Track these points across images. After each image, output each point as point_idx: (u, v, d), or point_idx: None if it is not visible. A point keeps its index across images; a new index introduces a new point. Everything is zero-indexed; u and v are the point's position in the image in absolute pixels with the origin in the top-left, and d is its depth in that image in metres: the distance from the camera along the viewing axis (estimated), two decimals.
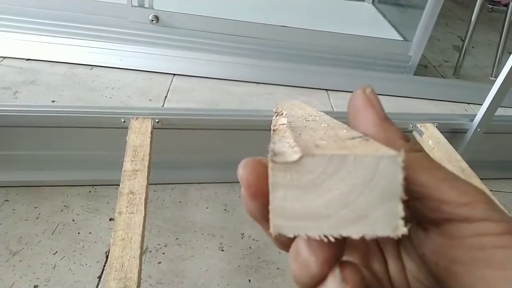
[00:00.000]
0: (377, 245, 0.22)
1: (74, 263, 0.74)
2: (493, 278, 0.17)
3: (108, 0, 1.30)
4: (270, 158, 0.16)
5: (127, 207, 0.64)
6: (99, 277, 0.72)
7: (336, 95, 1.30)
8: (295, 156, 0.16)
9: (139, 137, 0.79)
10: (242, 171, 0.18)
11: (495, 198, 0.76)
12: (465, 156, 0.91)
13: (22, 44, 1.22)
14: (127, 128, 0.82)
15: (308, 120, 0.22)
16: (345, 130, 0.20)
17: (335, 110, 1.20)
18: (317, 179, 0.16)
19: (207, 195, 0.93)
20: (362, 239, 0.16)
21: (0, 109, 0.82)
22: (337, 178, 0.16)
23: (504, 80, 0.93)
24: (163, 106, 1.09)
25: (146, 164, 0.73)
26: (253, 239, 0.84)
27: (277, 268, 0.79)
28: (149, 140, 0.79)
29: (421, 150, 0.20)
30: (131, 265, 0.55)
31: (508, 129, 1.08)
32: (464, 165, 0.86)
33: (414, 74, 1.48)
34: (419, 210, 0.19)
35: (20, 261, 0.73)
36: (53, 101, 1.02)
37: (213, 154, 0.96)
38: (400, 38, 1.52)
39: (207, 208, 0.90)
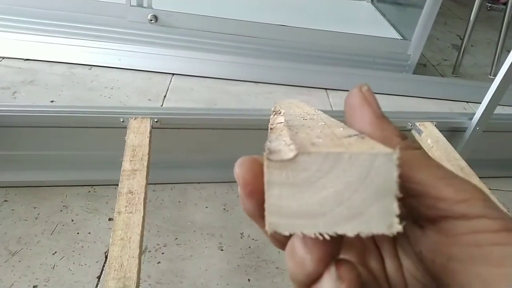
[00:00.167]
0: (374, 243, 0.22)
1: (74, 263, 0.74)
2: (490, 275, 0.17)
3: (106, 0, 1.30)
4: (266, 156, 0.16)
5: (126, 207, 0.64)
6: (98, 277, 0.72)
7: (335, 94, 1.30)
8: (291, 154, 0.16)
9: (138, 136, 0.79)
10: (239, 169, 0.18)
11: (494, 196, 0.76)
12: (464, 154, 0.91)
13: (21, 44, 1.22)
14: (126, 127, 0.82)
15: (306, 119, 0.22)
16: (341, 128, 0.20)
17: (334, 109, 1.20)
18: (312, 177, 0.16)
19: (206, 195, 0.93)
20: (359, 237, 0.16)
21: None
22: (332, 176, 0.16)
23: (503, 78, 0.93)
24: (162, 105, 1.09)
25: (145, 164, 0.73)
26: (253, 239, 0.84)
27: (277, 268, 0.79)
28: (148, 139, 0.79)
29: (419, 147, 0.20)
30: (130, 265, 0.55)
31: (507, 128, 1.08)
32: (463, 163, 0.86)
33: (413, 73, 1.48)
34: (416, 207, 0.19)
35: (20, 261, 0.73)
36: (52, 101, 1.02)
37: (212, 154, 0.96)
38: (399, 37, 1.52)
39: (207, 207, 0.90)
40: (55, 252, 0.75)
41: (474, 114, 1.01)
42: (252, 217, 0.19)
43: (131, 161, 0.73)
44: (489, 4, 2.52)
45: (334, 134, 0.19)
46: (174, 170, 0.95)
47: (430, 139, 0.92)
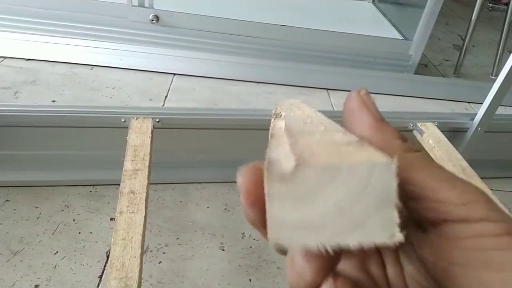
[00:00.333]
0: (376, 248, 0.22)
1: (75, 262, 0.74)
2: (491, 280, 0.17)
3: (108, 0, 1.30)
4: (266, 167, 0.16)
5: (127, 206, 0.64)
6: (100, 277, 0.72)
7: (337, 94, 1.30)
8: (290, 166, 0.16)
9: (139, 136, 0.80)
10: (241, 179, 0.18)
11: (496, 197, 0.76)
12: (466, 155, 0.91)
13: (22, 44, 1.22)
14: (127, 127, 0.82)
15: (306, 123, 0.22)
16: (341, 134, 0.20)
17: (335, 109, 1.20)
18: (313, 189, 0.16)
19: (208, 195, 0.93)
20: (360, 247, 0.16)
21: (0, 109, 0.82)
22: (332, 187, 0.16)
23: (504, 79, 0.93)
24: (163, 105, 1.09)
25: (147, 164, 0.73)
26: (254, 239, 0.84)
27: (278, 268, 0.79)
28: (149, 139, 0.79)
29: (420, 149, 0.20)
30: (132, 264, 0.55)
31: (509, 128, 1.07)
32: (465, 164, 0.86)
33: (415, 73, 1.48)
34: (418, 210, 0.19)
35: (21, 261, 0.73)
36: (53, 101, 1.03)
37: (214, 154, 0.96)
38: (400, 37, 1.52)
39: (208, 207, 0.90)
40: (57, 251, 0.75)
41: (475, 114, 1.01)
42: (254, 225, 0.19)
43: (132, 161, 0.73)
44: (491, 4, 2.52)
45: (334, 141, 0.19)
46: (176, 170, 0.95)
47: (432, 139, 0.92)
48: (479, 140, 1.02)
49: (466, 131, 1.02)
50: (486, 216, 0.17)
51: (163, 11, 1.30)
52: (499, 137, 1.08)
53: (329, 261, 0.17)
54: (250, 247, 0.82)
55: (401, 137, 0.20)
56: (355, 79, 1.34)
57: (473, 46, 1.91)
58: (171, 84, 1.19)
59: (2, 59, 1.18)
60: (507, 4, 1.67)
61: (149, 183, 0.70)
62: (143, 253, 0.58)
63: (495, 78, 0.96)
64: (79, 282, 0.71)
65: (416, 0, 1.52)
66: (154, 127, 0.83)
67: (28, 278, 0.70)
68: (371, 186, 0.16)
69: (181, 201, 0.90)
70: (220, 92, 1.19)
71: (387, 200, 0.16)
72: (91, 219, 0.83)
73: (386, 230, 0.16)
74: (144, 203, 0.65)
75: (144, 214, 0.63)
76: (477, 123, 0.99)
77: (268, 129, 0.24)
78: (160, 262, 0.76)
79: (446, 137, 0.93)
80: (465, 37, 1.63)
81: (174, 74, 1.24)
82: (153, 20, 1.30)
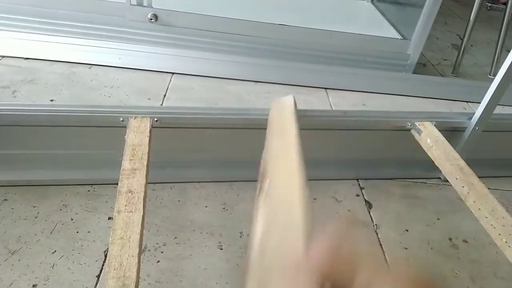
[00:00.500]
0: None
1: (73, 262, 0.74)
2: None
3: None
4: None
5: (125, 206, 0.64)
6: (98, 276, 0.72)
7: (335, 93, 1.30)
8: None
9: (137, 136, 0.80)
10: None
11: (494, 196, 0.76)
12: (464, 154, 0.91)
13: (21, 43, 1.22)
14: (125, 127, 0.82)
15: (282, 202, 0.24)
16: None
17: (333, 108, 1.20)
18: None
19: (206, 194, 0.93)
20: None
21: None
22: None
23: (502, 78, 0.93)
24: (162, 105, 1.09)
25: (145, 163, 0.73)
26: None
27: None
28: (147, 139, 0.79)
29: None
30: (130, 263, 0.55)
31: (507, 127, 1.08)
32: (462, 163, 0.86)
33: (413, 73, 1.48)
34: None
35: (19, 260, 0.73)
36: (51, 100, 1.02)
37: (212, 153, 0.96)
38: (399, 37, 1.52)
39: (206, 207, 0.90)
40: (55, 251, 0.75)
41: (473, 114, 1.01)
42: None
43: (130, 160, 0.73)
44: (489, 4, 2.52)
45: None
46: (174, 169, 0.95)
47: (430, 138, 0.92)
48: (477, 140, 1.02)
49: (464, 131, 1.02)
50: None
51: (162, 10, 1.30)
52: (497, 136, 1.08)
53: None
54: None
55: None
56: (354, 78, 1.34)
57: (472, 45, 1.91)
58: (169, 83, 1.19)
59: (0, 58, 1.17)
60: (505, 3, 1.67)
61: (147, 182, 0.70)
62: (141, 252, 0.58)
63: (493, 77, 0.97)
64: (77, 281, 0.71)
65: (415, 0, 1.52)
66: (152, 127, 0.83)
67: (26, 277, 0.70)
68: None
69: (179, 201, 0.90)
70: (219, 91, 1.19)
71: None
72: (89, 219, 0.83)
73: None
74: (142, 202, 0.65)
75: (142, 213, 0.63)
76: (475, 122, 1.00)
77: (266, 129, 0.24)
78: (158, 261, 0.76)
79: (444, 136, 0.93)
80: (464, 36, 1.63)
81: (173, 73, 1.24)
82: (151, 19, 1.30)
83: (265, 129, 0.73)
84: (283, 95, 1.20)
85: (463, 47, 1.63)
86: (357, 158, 1.04)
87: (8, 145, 0.87)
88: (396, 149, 1.03)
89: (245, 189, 0.94)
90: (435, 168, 0.91)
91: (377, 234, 0.89)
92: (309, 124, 0.94)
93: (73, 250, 0.76)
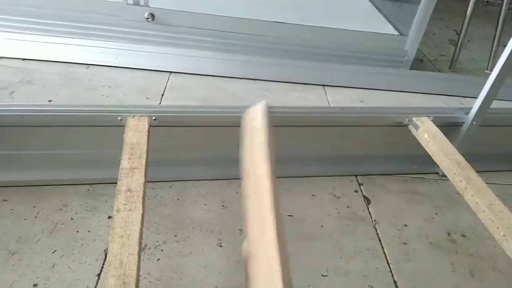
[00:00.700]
0: None
1: (73, 261, 0.74)
2: None
3: None
4: None
5: (125, 204, 0.64)
6: (98, 275, 0.72)
7: (333, 90, 1.30)
8: None
9: (136, 135, 0.80)
10: None
11: (491, 190, 0.77)
12: (461, 149, 0.91)
13: (18, 43, 1.22)
14: (124, 126, 0.82)
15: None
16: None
17: (332, 105, 1.21)
18: None
19: (205, 192, 0.93)
20: None
21: None
22: None
23: (499, 73, 0.93)
24: (160, 104, 1.09)
25: (144, 162, 0.73)
26: None
27: None
28: (146, 138, 0.79)
29: None
30: (130, 262, 0.56)
31: (504, 122, 1.08)
32: (460, 158, 0.86)
33: (410, 69, 1.48)
34: None
35: (19, 260, 0.73)
36: (49, 101, 1.03)
37: (210, 151, 0.97)
38: (396, 33, 1.53)
39: (205, 205, 0.90)
40: (55, 250, 0.76)
41: (470, 108, 1.01)
42: None
43: (129, 159, 0.73)
44: (485, 0, 2.53)
45: None
46: (173, 167, 0.95)
47: (427, 134, 0.93)
48: (474, 134, 1.02)
49: (461, 125, 1.02)
50: None
51: (159, 9, 1.30)
52: (494, 130, 1.09)
53: None
54: None
55: None
56: (351, 75, 1.34)
57: (468, 41, 1.92)
58: (167, 82, 1.19)
59: None
60: None
61: (146, 181, 0.70)
62: (141, 250, 0.59)
63: (490, 72, 0.97)
64: (77, 280, 0.71)
65: None
66: (150, 125, 0.83)
67: (26, 277, 0.70)
68: None
69: (178, 199, 0.90)
70: (216, 90, 1.19)
71: None
72: (89, 218, 0.83)
73: None
74: (141, 201, 0.65)
75: (141, 211, 0.63)
76: (472, 117, 1.00)
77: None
78: (158, 259, 0.77)
79: (441, 131, 0.93)
80: (460, 32, 1.64)
81: (171, 72, 1.24)
82: (148, 18, 1.30)
83: None
84: (280, 93, 1.20)
85: (460, 42, 1.63)
86: (355, 154, 1.04)
87: (7, 145, 0.87)
88: (394, 145, 1.04)
89: None
90: (433, 163, 0.91)
91: (376, 229, 0.89)
92: (307, 121, 0.94)
93: (73, 249, 0.76)
